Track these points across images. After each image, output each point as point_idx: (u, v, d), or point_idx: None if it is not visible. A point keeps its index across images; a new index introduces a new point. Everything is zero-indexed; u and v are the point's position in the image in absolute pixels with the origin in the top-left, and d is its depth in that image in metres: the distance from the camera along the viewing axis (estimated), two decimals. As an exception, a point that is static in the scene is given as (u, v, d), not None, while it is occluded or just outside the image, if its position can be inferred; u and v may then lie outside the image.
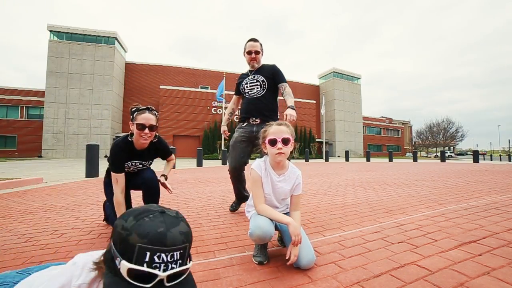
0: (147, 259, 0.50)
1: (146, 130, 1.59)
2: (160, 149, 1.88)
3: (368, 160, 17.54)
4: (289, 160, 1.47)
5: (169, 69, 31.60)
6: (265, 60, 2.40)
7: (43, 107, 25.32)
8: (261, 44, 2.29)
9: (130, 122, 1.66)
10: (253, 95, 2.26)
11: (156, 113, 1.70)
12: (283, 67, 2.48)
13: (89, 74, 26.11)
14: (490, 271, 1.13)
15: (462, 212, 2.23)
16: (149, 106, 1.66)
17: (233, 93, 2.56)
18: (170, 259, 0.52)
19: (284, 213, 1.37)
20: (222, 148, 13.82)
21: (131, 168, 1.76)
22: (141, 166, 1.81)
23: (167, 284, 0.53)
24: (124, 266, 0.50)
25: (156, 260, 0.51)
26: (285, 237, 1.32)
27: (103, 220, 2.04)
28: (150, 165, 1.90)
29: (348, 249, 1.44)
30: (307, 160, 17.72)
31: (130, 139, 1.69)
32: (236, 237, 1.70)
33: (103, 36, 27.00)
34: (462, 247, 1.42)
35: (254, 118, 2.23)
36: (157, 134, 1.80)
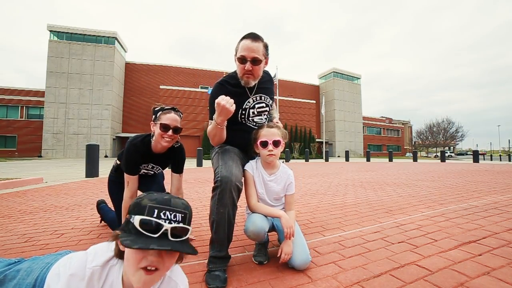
0: (155, 215, 0.62)
1: (170, 132, 1.44)
2: (178, 158, 1.65)
3: (368, 160, 17.53)
4: (288, 161, 1.47)
5: (169, 69, 31.62)
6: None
7: (43, 107, 25.34)
8: (265, 46, 1.38)
9: (152, 122, 1.50)
10: (260, 124, 1.49)
11: (181, 114, 1.55)
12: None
13: (89, 74, 26.13)
14: (490, 271, 1.13)
15: (462, 212, 2.23)
16: (174, 107, 1.52)
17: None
18: (174, 218, 0.64)
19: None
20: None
21: (141, 171, 1.63)
22: (151, 172, 1.69)
23: (171, 239, 0.63)
24: (137, 218, 0.62)
25: (162, 216, 0.63)
26: (280, 235, 1.33)
27: (100, 222, 2.04)
28: (158, 171, 1.75)
29: (348, 249, 1.44)
30: (307, 160, 17.70)
31: (150, 140, 1.53)
32: (236, 237, 1.69)
33: (103, 36, 27.02)
34: (462, 247, 1.42)
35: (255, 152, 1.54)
36: (179, 141, 1.63)
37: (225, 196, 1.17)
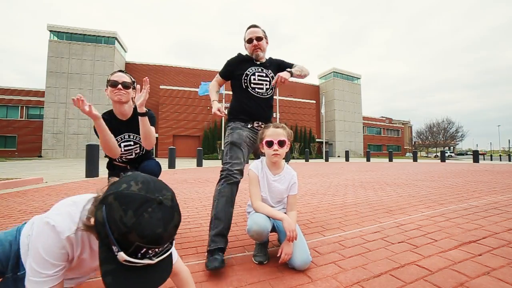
0: (142, 252, 0.58)
1: (120, 86, 1.50)
2: (147, 115, 1.61)
3: (368, 160, 17.53)
4: (288, 161, 1.50)
5: (169, 69, 31.60)
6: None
7: (43, 107, 25.31)
8: (263, 31, 1.81)
9: (106, 88, 1.56)
10: (261, 94, 1.75)
11: (132, 77, 1.63)
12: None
13: (89, 74, 26.10)
14: (490, 271, 1.13)
15: (462, 212, 2.23)
16: (122, 70, 1.63)
17: (231, 92, 1.85)
18: (161, 250, 0.61)
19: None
20: (222, 148, 13.84)
21: (123, 148, 1.62)
22: (132, 144, 1.66)
23: (155, 261, 0.61)
24: (121, 256, 0.57)
25: (150, 252, 0.59)
26: (280, 236, 1.34)
27: None
28: (140, 141, 1.70)
29: (348, 249, 1.44)
30: (307, 160, 17.70)
31: (112, 110, 1.60)
32: (236, 237, 1.70)
33: (103, 36, 27.00)
34: (462, 247, 1.42)
35: (260, 123, 1.76)
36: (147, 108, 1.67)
37: (231, 181, 1.47)
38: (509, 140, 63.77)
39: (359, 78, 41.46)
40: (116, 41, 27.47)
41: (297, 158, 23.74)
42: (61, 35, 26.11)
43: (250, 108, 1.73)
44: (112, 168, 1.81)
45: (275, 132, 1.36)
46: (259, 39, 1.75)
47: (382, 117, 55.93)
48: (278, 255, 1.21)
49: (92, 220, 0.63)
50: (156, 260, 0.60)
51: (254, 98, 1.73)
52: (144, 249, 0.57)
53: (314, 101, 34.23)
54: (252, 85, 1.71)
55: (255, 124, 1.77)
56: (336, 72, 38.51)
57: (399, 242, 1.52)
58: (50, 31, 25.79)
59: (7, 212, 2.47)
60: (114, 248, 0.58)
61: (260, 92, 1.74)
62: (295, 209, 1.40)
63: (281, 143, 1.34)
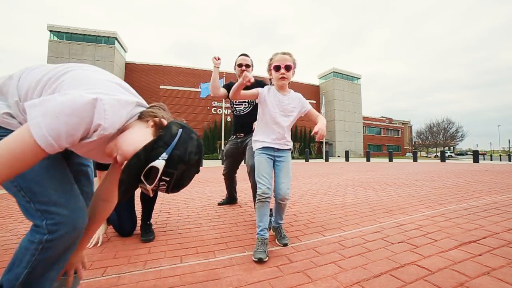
0: (167, 179, 0.67)
1: None
2: None
3: (368, 160, 17.52)
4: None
5: (169, 69, 31.62)
6: (258, 63, 2.39)
7: (43, 107, 25.33)
8: (251, 60, 2.36)
9: None
10: (240, 112, 2.34)
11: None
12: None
13: (89, 74, 26.12)
14: (490, 271, 1.13)
15: (462, 212, 2.23)
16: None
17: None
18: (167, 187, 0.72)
19: (283, 145, 1.60)
20: (222, 148, 13.84)
21: None
22: None
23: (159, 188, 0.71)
24: (160, 164, 0.63)
25: (165, 184, 0.68)
26: (277, 179, 1.53)
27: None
28: None
29: (348, 249, 1.44)
30: (307, 160, 17.71)
31: None
32: (236, 237, 1.70)
33: (103, 36, 27.04)
34: (462, 247, 1.42)
35: (238, 133, 2.38)
36: None
37: (225, 179, 2.66)
38: (509, 140, 63.82)
39: (359, 78, 41.45)
40: (116, 41, 27.50)
41: (297, 158, 23.73)
42: (61, 35, 26.14)
43: (234, 123, 2.43)
44: (101, 167, 1.75)
45: (282, 58, 1.48)
46: (247, 66, 2.31)
47: (382, 117, 55.89)
48: (313, 134, 1.33)
49: (165, 121, 0.71)
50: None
51: (236, 115, 2.38)
52: (169, 179, 0.65)
53: (314, 101, 34.26)
54: (234, 105, 2.35)
55: (238, 135, 2.37)
56: (336, 72, 38.51)
57: (399, 242, 1.52)
58: (50, 31, 25.81)
59: (7, 212, 2.47)
60: (163, 155, 0.64)
61: (239, 110, 2.34)
62: (320, 114, 1.54)
63: (288, 67, 1.47)
